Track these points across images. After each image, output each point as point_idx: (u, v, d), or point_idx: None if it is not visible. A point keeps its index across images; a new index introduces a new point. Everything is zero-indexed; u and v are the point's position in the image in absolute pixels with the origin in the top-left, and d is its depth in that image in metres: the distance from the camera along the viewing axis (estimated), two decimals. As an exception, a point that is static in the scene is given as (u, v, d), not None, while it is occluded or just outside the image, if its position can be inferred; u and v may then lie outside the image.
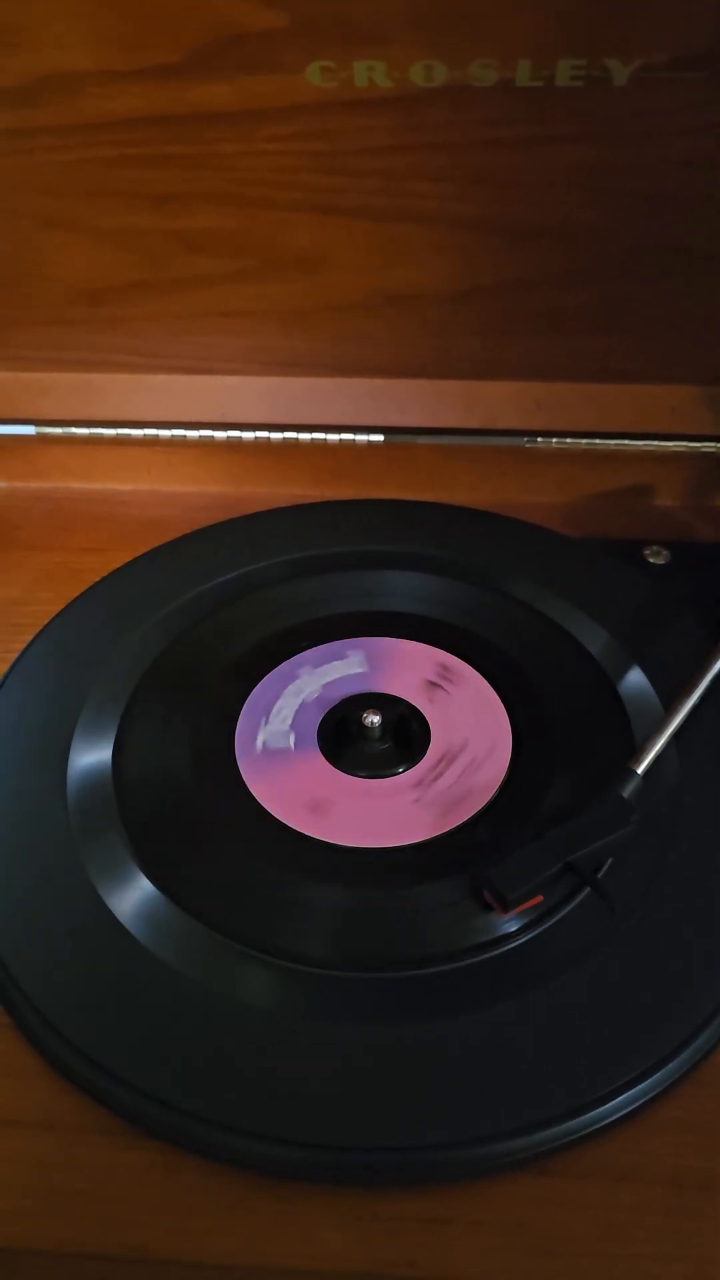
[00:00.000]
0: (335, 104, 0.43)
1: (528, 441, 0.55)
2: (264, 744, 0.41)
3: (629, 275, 0.49)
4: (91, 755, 0.40)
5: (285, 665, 0.44)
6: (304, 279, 0.50)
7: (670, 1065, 0.32)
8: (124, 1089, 0.31)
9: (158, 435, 0.56)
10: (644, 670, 0.43)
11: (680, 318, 0.50)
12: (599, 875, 0.36)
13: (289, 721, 0.42)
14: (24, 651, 0.45)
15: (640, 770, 0.37)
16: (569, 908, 0.35)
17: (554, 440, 0.54)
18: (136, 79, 0.43)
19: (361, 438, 0.55)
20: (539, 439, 0.54)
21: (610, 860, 0.37)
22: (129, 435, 0.56)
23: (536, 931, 0.35)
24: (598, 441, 0.54)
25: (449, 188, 0.46)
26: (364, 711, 0.41)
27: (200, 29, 0.41)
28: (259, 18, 0.40)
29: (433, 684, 0.43)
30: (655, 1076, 0.31)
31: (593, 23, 0.39)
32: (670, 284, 0.49)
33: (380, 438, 0.55)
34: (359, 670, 0.44)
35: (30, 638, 0.46)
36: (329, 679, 0.43)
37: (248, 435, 0.55)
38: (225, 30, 0.41)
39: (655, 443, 0.54)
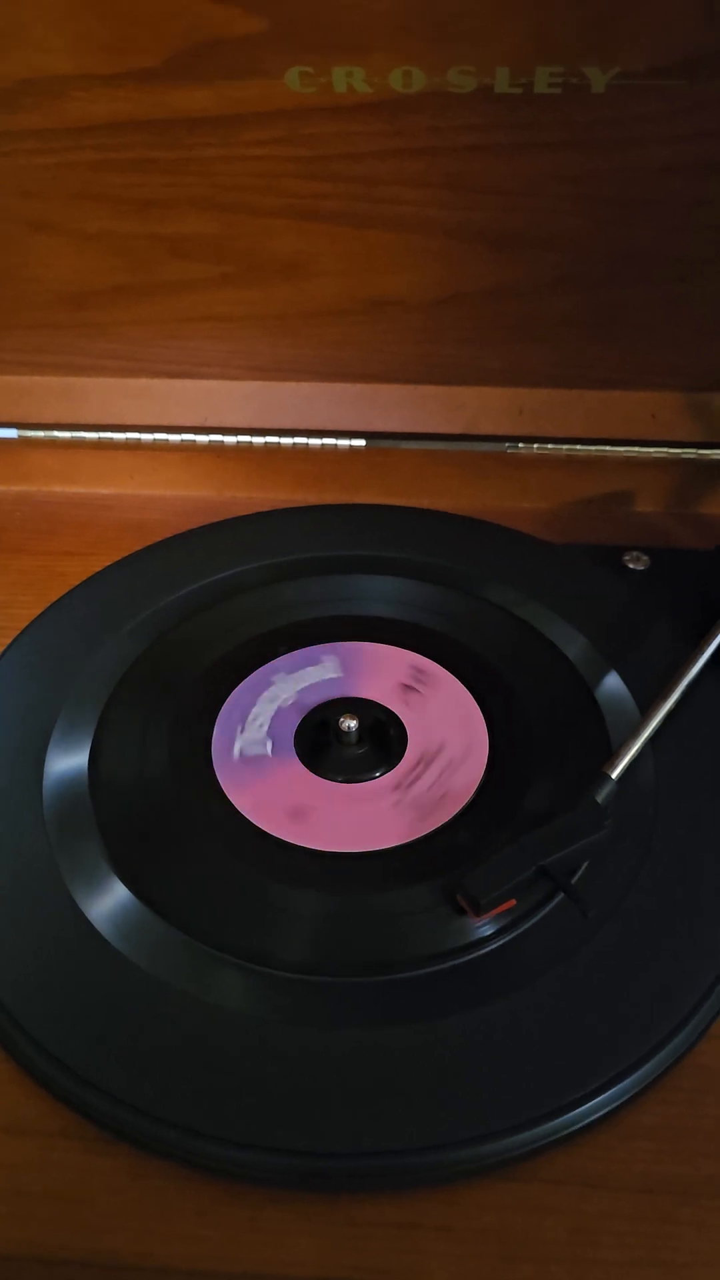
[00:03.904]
0: (315, 109, 0.43)
1: (509, 447, 0.55)
2: (241, 751, 0.41)
3: (611, 282, 0.49)
4: (68, 760, 0.40)
5: (260, 671, 0.44)
6: (287, 284, 0.50)
7: (641, 1071, 0.32)
8: (97, 1094, 0.31)
9: (140, 439, 0.56)
10: (621, 675, 0.43)
11: (662, 324, 0.50)
12: (573, 880, 0.36)
13: (265, 728, 0.42)
14: (1, 655, 0.45)
15: (614, 775, 0.37)
16: (543, 912, 0.35)
17: (536, 446, 0.55)
18: (118, 83, 0.43)
19: (344, 442, 0.55)
20: (521, 444, 0.55)
21: (585, 864, 0.37)
22: (111, 439, 0.56)
23: (510, 936, 0.35)
24: (579, 447, 0.54)
25: (431, 194, 0.46)
26: (340, 716, 0.41)
27: (180, 34, 0.41)
28: (239, 23, 0.40)
29: (408, 687, 0.43)
30: (626, 1082, 0.31)
31: (571, 31, 0.39)
32: (652, 291, 0.49)
33: (362, 442, 0.55)
34: (334, 675, 0.44)
35: (9, 641, 0.46)
36: (304, 684, 0.43)
37: (230, 439, 0.55)
38: (205, 35, 0.41)
39: (636, 449, 0.54)
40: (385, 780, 0.40)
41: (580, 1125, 0.31)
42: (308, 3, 0.39)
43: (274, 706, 0.42)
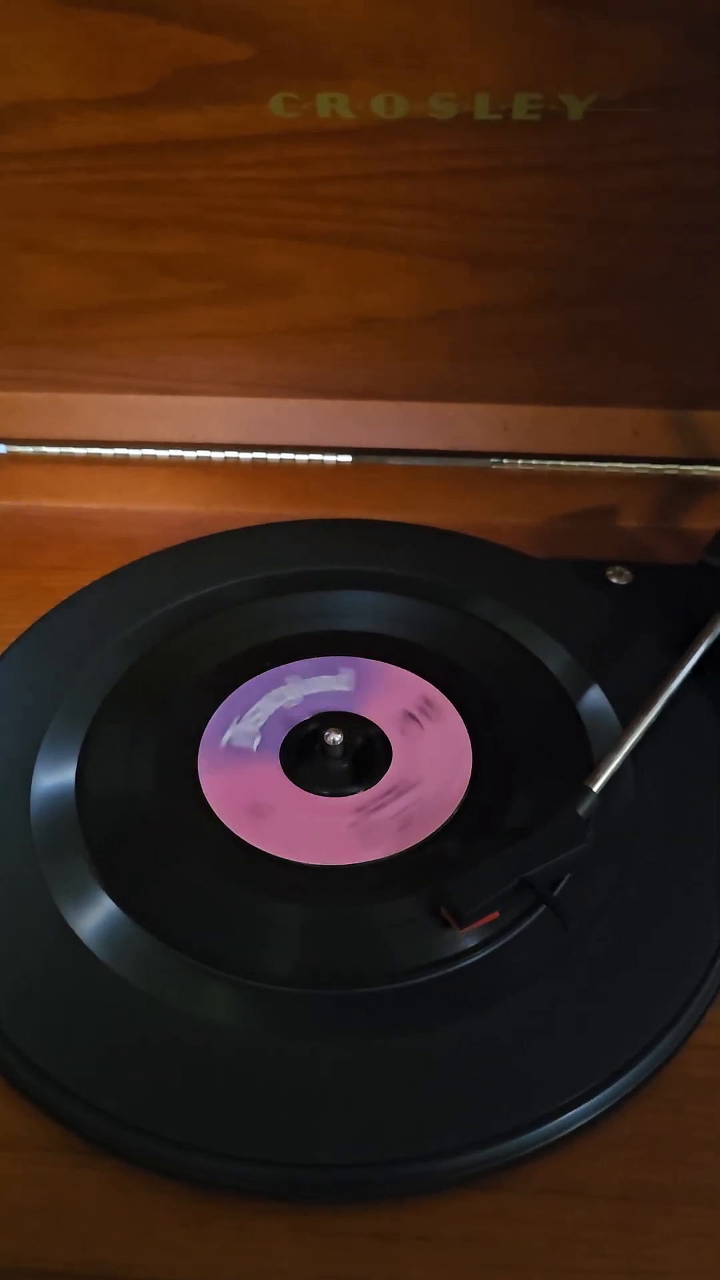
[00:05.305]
0: (300, 134, 0.43)
1: (494, 463, 0.55)
2: (228, 743, 0.41)
3: (591, 301, 0.50)
4: (55, 776, 0.41)
5: (251, 683, 0.44)
6: (273, 302, 0.51)
7: (620, 1081, 0.32)
8: (83, 1107, 0.32)
9: (128, 455, 0.56)
10: (604, 689, 0.44)
11: (641, 342, 0.51)
12: (555, 892, 0.36)
13: (256, 734, 0.42)
14: (-9, 671, 0.45)
15: (596, 788, 0.38)
16: (525, 924, 0.36)
17: (520, 462, 0.55)
18: (105, 107, 0.44)
19: (330, 458, 0.56)
20: (505, 460, 0.55)
21: (567, 877, 0.37)
22: (99, 455, 0.56)
23: (493, 948, 0.35)
24: (563, 463, 0.55)
25: (414, 215, 0.47)
26: (325, 730, 0.41)
27: (167, 60, 0.42)
28: (224, 50, 0.41)
29: (394, 704, 0.44)
30: (605, 1092, 0.32)
31: (548, 59, 0.40)
32: (631, 309, 0.50)
33: (349, 458, 0.56)
34: (317, 689, 0.44)
35: (-2, 656, 0.46)
36: (295, 698, 0.44)
37: (217, 455, 0.56)
38: (191, 62, 0.42)
39: (619, 465, 0.55)
40: (369, 794, 0.40)
41: (560, 1135, 0.31)
42: (292, 31, 0.40)
43: (265, 716, 0.43)
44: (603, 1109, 0.32)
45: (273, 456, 0.56)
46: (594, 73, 0.40)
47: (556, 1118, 0.31)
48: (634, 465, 0.55)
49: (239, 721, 0.42)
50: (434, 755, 0.42)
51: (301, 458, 0.56)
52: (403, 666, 0.45)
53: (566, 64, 0.40)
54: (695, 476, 0.55)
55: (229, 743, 0.41)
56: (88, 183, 0.47)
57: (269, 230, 0.48)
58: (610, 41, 0.40)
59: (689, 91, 0.41)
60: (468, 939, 0.35)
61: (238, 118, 0.43)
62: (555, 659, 0.46)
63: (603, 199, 0.45)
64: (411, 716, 0.43)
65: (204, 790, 0.40)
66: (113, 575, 0.50)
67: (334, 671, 0.45)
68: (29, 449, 0.56)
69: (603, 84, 0.41)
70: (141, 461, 0.56)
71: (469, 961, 0.35)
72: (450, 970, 0.35)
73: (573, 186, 0.44)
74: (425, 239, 0.48)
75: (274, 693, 0.44)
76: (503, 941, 0.35)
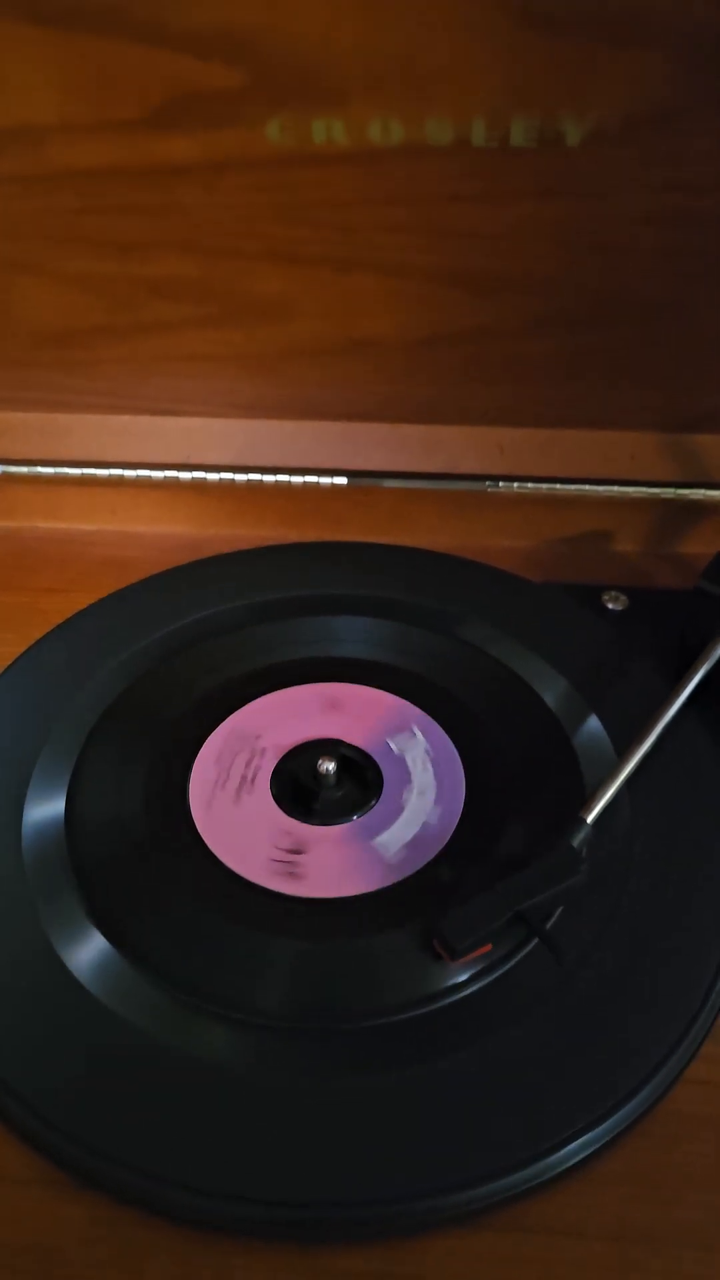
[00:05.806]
0: (295, 158, 0.43)
1: (489, 486, 0.55)
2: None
3: (588, 325, 0.50)
4: (47, 806, 0.40)
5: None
6: (267, 325, 0.51)
7: (613, 1118, 0.31)
8: (70, 1142, 0.31)
9: (123, 476, 0.56)
10: (599, 717, 0.44)
11: (639, 366, 0.51)
12: (548, 925, 0.36)
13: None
14: (-18, 696, 0.45)
15: (590, 819, 0.38)
16: (518, 957, 0.35)
17: (515, 485, 0.55)
18: (99, 132, 0.44)
19: (325, 480, 0.56)
20: (500, 483, 0.55)
21: (560, 909, 0.37)
22: (94, 475, 0.56)
23: (485, 982, 0.35)
24: (558, 487, 0.55)
25: (409, 240, 0.47)
26: (317, 759, 0.41)
27: (162, 86, 0.42)
28: (219, 76, 0.41)
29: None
30: (598, 1130, 0.31)
31: (546, 84, 0.40)
32: (628, 333, 0.50)
33: (343, 480, 0.56)
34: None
35: (-10, 679, 0.46)
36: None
37: (212, 477, 0.56)
38: (186, 87, 0.42)
39: (615, 488, 0.55)
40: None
41: (553, 1174, 0.31)
42: (287, 56, 0.40)
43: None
44: (596, 1146, 0.31)
45: (268, 478, 0.56)
46: (592, 96, 0.40)
47: (548, 1155, 0.31)
48: (630, 489, 0.55)
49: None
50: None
51: (296, 480, 0.56)
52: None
53: (565, 88, 0.40)
54: (692, 500, 0.55)
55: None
56: (81, 206, 0.47)
57: (263, 254, 0.48)
58: (609, 65, 0.40)
59: (688, 115, 0.41)
60: (459, 972, 0.35)
61: (233, 143, 0.43)
62: (549, 685, 0.45)
63: (600, 223, 0.45)
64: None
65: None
66: (107, 599, 0.50)
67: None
68: (23, 469, 0.56)
69: (601, 108, 0.41)
70: (136, 483, 0.56)
71: (460, 995, 0.34)
72: (441, 1005, 0.34)
73: (572, 211, 0.44)
74: (421, 263, 0.48)
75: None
76: (495, 975, 0.35)
